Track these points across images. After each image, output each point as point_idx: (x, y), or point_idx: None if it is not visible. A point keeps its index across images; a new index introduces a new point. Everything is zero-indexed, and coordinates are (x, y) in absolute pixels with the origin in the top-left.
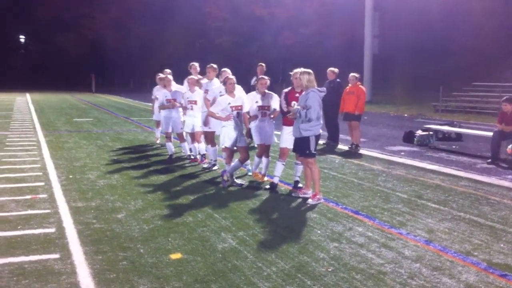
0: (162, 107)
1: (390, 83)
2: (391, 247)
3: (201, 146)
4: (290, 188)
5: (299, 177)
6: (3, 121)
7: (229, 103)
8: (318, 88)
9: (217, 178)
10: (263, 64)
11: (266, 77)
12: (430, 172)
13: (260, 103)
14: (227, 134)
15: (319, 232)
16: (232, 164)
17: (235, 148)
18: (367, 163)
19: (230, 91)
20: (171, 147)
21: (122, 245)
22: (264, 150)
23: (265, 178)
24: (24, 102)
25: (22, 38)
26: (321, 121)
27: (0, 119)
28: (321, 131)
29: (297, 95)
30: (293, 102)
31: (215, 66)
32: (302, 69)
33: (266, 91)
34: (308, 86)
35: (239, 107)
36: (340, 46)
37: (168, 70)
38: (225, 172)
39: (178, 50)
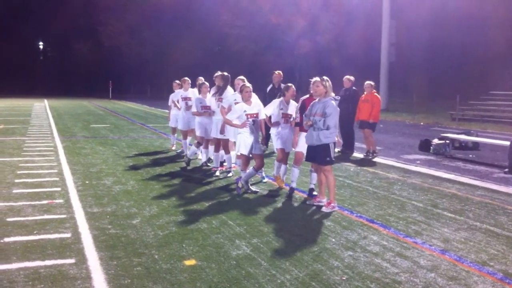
0: (196, 113)
1: (406, 91)
2: (406, 256)
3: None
4: (305, 195)
5: (314, 184)
6: (21, 127)
7: (245, 111)
8: (334, 97)
9: (231, 185)
10: (281, 72)
11: (249, 85)
12: (446, 181)
13: (284, 111)
14: (243, 141)
15: (333, 240)
16: (247, 171)
17: (250, 155)
18: (382, 172)
19: (246, 99)
20: (206, 153)
21: (137, 251)
22: (284, 155)
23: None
24: (42, 108)
25: (40, 45)
26: (338, 129)
27: (18, 124)
28: (336, 138)
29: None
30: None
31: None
32: (325, 77)
33: (291, 100)
34: (329, 94)
35: (255, 115)
36: (357, 54)
37: (201, 78)
38: (239, 179)
39: (195, 57)
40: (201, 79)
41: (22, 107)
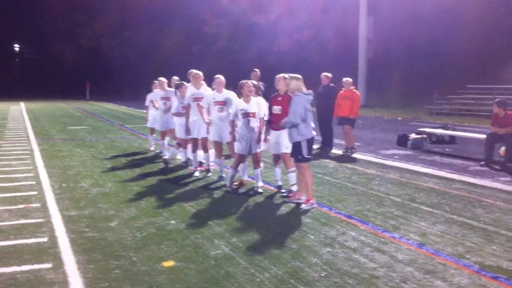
0: (176, 114)
1: (384, 87)
2: (384, 251)
3: (201, 153)
4: (285, 193)
5: (276, 180)
6: None
7: (242, 109)
8: (304, 92)
9: (211, 185)
10: (257, 70)
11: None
12: (423, 175)
13: (244, 110)
14: (239, 140)
15: (312, 237)
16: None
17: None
18: (361, 167)
19: (246, 96)
20: (185, 153)
21: (115, 254)
22: (243, 159)
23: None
24: (18, 111)
25: (16, 47)
26: (311, 124)
27: None
28: (314, 133)
29: (279, 98)
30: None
31: (201, 73)
32: (290, 75)
33: (252, 97)
34: (295, 91)
35: (252, 114)
36: (335, 51)
37: (176, 77)
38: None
39: (174, 57)
40: (176, 79)
41: None
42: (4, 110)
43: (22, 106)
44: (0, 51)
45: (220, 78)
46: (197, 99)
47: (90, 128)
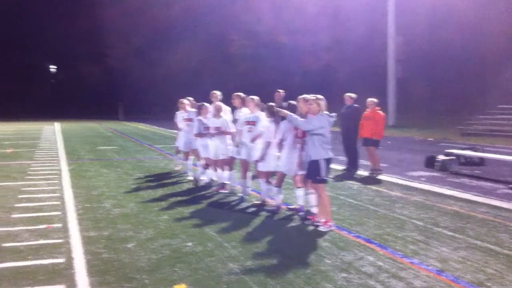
0: (198, 135)
1: (414, 107)
2: (401, 278)
3: (225, 174)
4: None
5: (311, 207)
6: (28, 150)
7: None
8: (329, 113)
9: (233, 207)
10: (281, 91)
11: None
12: (449, 198)
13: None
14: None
15: (328, 261)
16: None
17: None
18: (385, 189)
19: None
20: (209, 174)
21: (128, 276)
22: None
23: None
24: (51, 131)
25: (53, 68)
26: (329, 145)
27: (26, 148)
28: (331, 154)
29: None
30: None
31: (240, 94)
32: (307, 96)
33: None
34: (316, 112)
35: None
36: (363, 71)
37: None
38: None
39: (201, 77)
40: (191, 99)
41: (32, 130)
42: (38, 130)
43: (55, 126)
44: (35, 72)
45: (241, 95)
46: (249, 123)
47: (119, 148)
